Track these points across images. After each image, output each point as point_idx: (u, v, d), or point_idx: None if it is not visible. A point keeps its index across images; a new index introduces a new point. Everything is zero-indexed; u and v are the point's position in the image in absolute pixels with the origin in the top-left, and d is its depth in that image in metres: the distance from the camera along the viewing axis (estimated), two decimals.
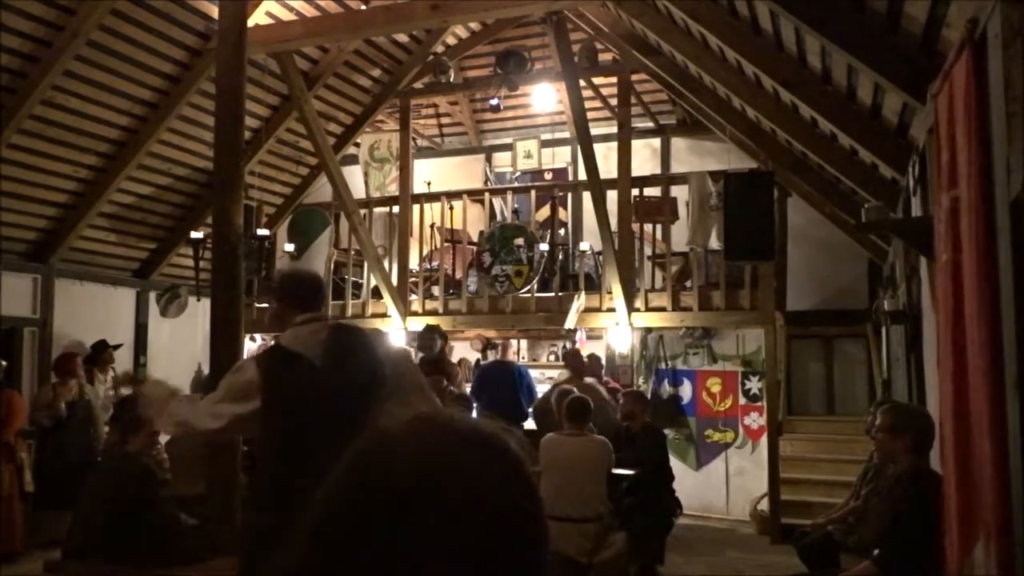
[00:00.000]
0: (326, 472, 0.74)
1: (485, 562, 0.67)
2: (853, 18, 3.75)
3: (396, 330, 8.51)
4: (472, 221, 9.01)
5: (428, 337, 7.25)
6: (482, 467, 0.71)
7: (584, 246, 8.90)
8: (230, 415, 2.80)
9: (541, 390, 9.57)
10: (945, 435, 2.82)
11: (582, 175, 8.32)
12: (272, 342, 3.24)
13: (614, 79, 8.43)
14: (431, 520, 0.67)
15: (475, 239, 8.75)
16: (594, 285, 8.32)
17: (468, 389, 7.45)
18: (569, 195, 9.92)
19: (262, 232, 7.70)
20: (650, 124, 10.25)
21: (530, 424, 7.80)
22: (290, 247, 8.61)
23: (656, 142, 10.37)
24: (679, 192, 8.06)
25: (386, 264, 8.87)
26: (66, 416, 6.98)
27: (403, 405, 2.74)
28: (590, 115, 8.03)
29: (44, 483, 6.84)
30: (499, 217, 9.69)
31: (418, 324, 8.45)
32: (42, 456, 7.12)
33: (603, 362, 8.09)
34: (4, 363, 6.96)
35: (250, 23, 5.88)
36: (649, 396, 8.80)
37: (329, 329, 2.92)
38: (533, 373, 9.97)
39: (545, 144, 10.24)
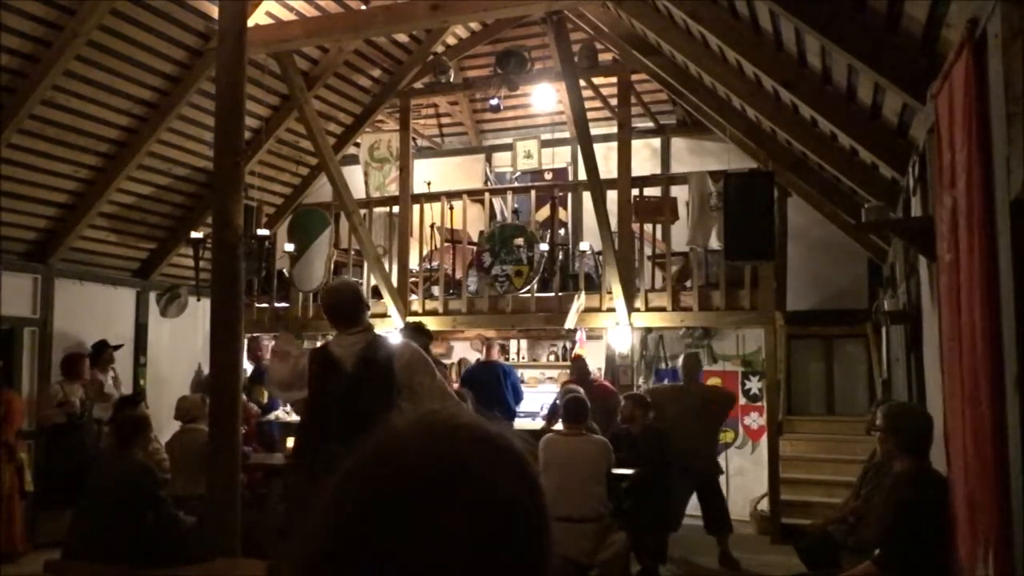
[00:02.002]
0: (330, 443, 0.79)
1: (490, 560, 0.68)
2: (853, 18, 3.74)
3: (396, 330, 8.50)
4: (472, 221, 9.00)
5: (407, 337, 7.17)
6: (488, 465, 0.72)
7: (584, 246, 8.90)
8: (298, 398, 4.09)
9: (541, 390, 9.64)
10: (951, 435, 2.82)
11: (582, 175, 8.32)
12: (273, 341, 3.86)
13: (614, 79, 8.42)
14: (437, 518, 0.67)
15: (475, 239, 8.74)
16: (594, 285, 8.32)
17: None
18: (569, 195, 9.91)
19: (262, 232, 7.70)
20: (650, 124, 10.25)
21: (521, 423, 7.90)
22: (290, 247, 8.61)
23: (656, 142, 10.36)
24: (679, 192, 8.06)
25: (386, 264, 8.87)
26: (80, 416, 7.05)
27: (415, 405, 3.40)
28: (590, 115, 8.03)
29: (50, 482, 6.88)
30: (499, 217, 9.68)
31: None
32: (49, 455, 7.16)
33: (589, 365, 8.16)
34: (0, 362, 6.97)
35: (250, 23, 5.88)
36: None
37: (366, 342, 3.72)
38: (533, 373, 10.01)
39: (545, 144, 10.24)
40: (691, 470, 6.51)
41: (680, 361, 7.50)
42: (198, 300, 8.47)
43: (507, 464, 0.73)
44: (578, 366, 7.81)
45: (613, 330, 8.00)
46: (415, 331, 7.13)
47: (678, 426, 6.43)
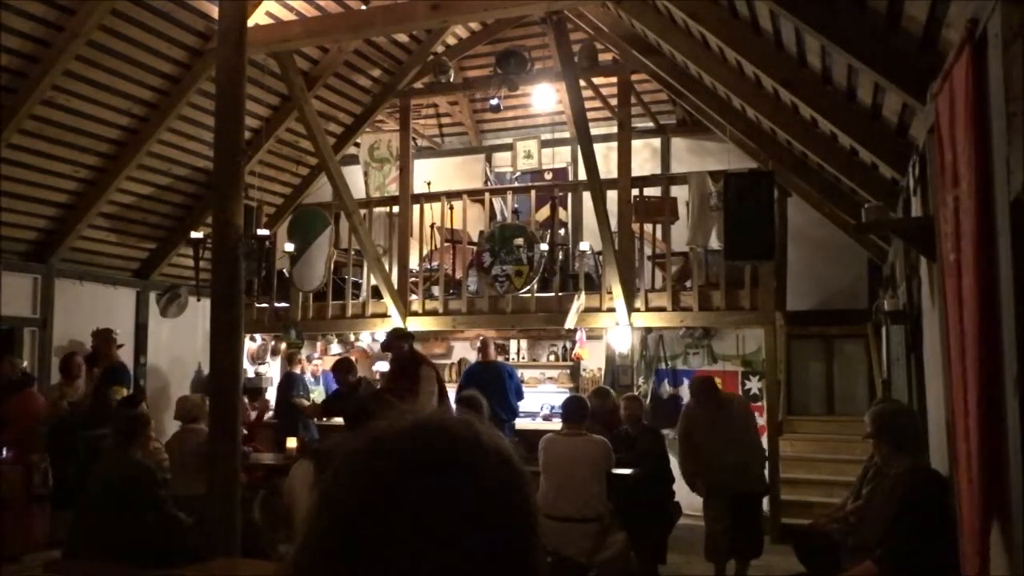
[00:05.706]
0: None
1: (478, 561, 0.68)
2: (853, 18, 3.74)
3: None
4: (472, 221, 9.01)
5: (392, 343, 7.15)
6: (474, 465, 0.72)
7: (584, 246, 8.90)
8: None
9: (541, 390, 9.64)
10: (956, 436, 2.81)
11: (582, 175, 8.32)
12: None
13: (614, 79, 8.42)
14: (423, 519, 0.67)
15: (475, 239, 8.74)
16: (594, 285, 8.32)
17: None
18: (569, 195, 9.91)
19: (262, 232, 7.66)
20: (650, 124, 10.25)
21: (521, 423, 7.89)
22: (290, 247, 8.61)
23: (656, 142, 10.37)
24: (679, 192, 8.06)
25: (386, 264, 8.87)
26: (71, 416, 7.02)
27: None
28: (590, 115, 8.03)
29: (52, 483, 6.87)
30: (499, 217, 9.68)
31: (419, 324, 8.46)
32: (51, 457, 7.15)
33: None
34: (25, 363, 6.93)
35: (250, 23, 5.88)
36: (649, 396, 8.82)
37: None
38: (533, 373, 10.01)
39: (545, 144, 10.23)
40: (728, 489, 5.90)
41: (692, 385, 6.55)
42: (198, 300, 8.46)
43: (492, 463, 0.74)
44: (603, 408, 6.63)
45: (613, 330, 8.00)
46: (398, 337, 7.13)
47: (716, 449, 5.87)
